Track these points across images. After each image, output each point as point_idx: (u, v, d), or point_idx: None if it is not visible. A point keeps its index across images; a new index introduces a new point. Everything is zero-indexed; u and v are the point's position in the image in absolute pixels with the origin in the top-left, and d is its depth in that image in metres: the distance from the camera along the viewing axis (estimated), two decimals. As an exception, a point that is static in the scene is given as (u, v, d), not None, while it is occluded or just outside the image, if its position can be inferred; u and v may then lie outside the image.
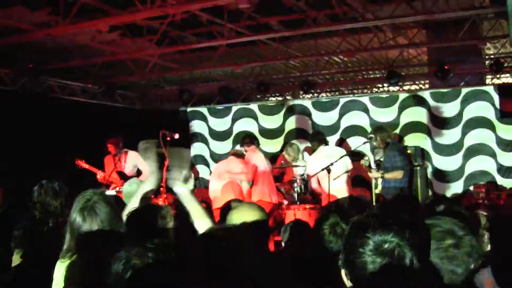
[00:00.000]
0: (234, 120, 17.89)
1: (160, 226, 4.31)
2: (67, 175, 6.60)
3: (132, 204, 4.59)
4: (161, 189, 11.37)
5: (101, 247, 3.80)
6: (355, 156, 13.68)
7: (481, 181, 14.11)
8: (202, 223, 4.21)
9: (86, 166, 12.72)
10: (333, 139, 16.06)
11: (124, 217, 4.30)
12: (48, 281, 3.98)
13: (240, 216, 4.43)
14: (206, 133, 18.24)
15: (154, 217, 4.34)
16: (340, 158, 11.09)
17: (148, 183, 4.74)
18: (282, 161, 14.09)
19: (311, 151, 15.34)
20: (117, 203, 5.32)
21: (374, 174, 11.86)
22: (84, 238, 3.87)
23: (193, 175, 4.41)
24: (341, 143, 15.83)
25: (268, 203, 11.97)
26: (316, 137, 12.49)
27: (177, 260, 2.76)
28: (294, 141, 14.83)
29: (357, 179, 14.39)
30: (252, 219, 4.38)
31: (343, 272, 2.73)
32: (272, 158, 15.79)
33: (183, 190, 4.24)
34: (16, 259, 4.47)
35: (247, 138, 12.81)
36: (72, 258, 3.89)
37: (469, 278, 3.19)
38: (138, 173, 12.93)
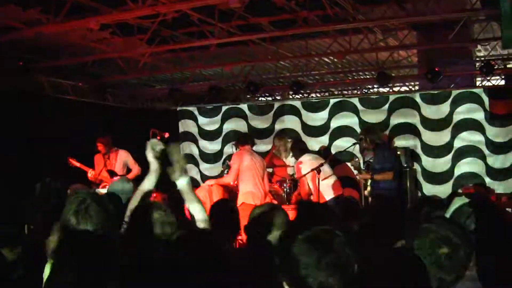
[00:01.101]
0: (223, 120, 17.87)
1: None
2: (57, 172, 6.60)
3: (133, 202, 4.66)
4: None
5: (96, 249, 3.81)
6: (345, 157, 13.73)
7: (470, 183, 14.13)
8: (198, 213, 4.38)
9: (78, 164, 12.77)
10: (322, 139, 16.09)
11: (128, 213, 4.40)
12: (39, 282, 3.96)
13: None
14: (195, 132, 18.22)
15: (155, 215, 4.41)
16: (328, 160, 11.06)
17: (148, 181, 4.82)
18: (273, 162, 14.07)
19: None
20: (111, 201, 5.36)
21: (363, 175, 11.88)
22: (78, 240, 3.87)
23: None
24: (329, 145, 15.89)
25: (252, 205, 11.65)
26: (298, 145, 12.44)
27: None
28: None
29: (346, 180, 14.40)
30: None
31: (284, 283, 2.72)
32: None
33: (182, 182, 4.45)
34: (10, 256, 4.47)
35: (241, 138, 12.67)
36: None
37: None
38: (128, 171, 12.95)
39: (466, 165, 14.60)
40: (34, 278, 4.01)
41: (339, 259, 2.56)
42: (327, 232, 2.61)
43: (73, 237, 3.88)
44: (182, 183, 4.60)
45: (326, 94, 22.29)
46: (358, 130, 14.89)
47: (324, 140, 16.08)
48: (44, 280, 3.91)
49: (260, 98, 20.90)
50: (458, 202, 4.16)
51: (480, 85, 17.70)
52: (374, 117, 15.55)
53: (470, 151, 14.55)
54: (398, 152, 13.77)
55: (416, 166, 14.85)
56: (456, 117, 14.72)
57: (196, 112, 18.33)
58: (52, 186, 5.69)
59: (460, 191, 13.72)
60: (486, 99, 14.46)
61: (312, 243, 2.58)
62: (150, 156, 4.81)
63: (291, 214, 11.08)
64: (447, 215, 4.08)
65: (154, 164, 4.83)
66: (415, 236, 3.27)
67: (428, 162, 14.94)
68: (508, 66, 19.07)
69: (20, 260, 4.49)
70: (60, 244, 3.94)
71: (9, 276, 4.31)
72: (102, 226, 3.91)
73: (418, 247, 3.21)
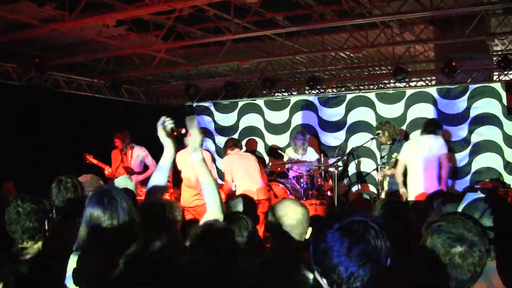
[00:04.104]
0: (240, 115, 17.88)
1: (168, 219, 4.37)
2: (73, 169, 6.58)
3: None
4: (168, 183, 11.41)
5: (119, 239, 3.81)
6: (362, 152, 13.67)
7: (487, 178, 14.06)
8: (210, 192, 4.36)
9: (95, 161, 12.77)
10: (339, 135, 16.06)
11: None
12: (63, 274, 3.97)
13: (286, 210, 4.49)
14: (212, 128, 18.24)
15: (164, 211, 4.41)
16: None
17: (166, 159, 4.99)
18: (289, 156, 14.04)
19: (316, 144, 15.40)
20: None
21: (386, 171, 11.80)
22: (103, 230, 3.88)
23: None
24: (346, 140, 15.88)
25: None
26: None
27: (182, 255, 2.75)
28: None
29: (366, 176, 14.48)
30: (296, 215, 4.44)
31: (316, 273, 2.74)
32: (278, 153, 15.76)
33: (198, 158, 4.44)
34: (30, 250, 4.50)
35: (229, 142, 12.64)
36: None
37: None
38: (145, 168, 12.95)
39: (484, 160, 14.50)
40: (56, 270, 4.01)
41: (370, 250, 2.56)
42: (361, 222, 2.60)
43: (100, 228, 3.90)
44: (195, 158, 4.59)
45: (343, 89, 22.21)
46: (375, 125, 14.85)
47: (341, 135, 16.05)
48: (69, 270, 3.92)
49: (276, 94, 20.87)
50: (469, 197, 4.12)
51: (497, 79, 17.56)
52: (391, 111, 15.50)
53: (487, 146, 14.45)
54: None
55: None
56: (473, 112, 14.64)
57: (212, 108, 18.36)
58: (70, 183, 5.66)
59: (477, 186, 13.70)
60: (503, 94, 14.37)
61: (346, 232, 2.58)
62: (162, 135, 4.84)
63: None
64: (459, 209, 4.05)
65: (168, 143, 4.88)
66: (427, 234, 3.24)
67: (445, 157, 14.88)
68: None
69: (42, 253, 4.53)
70: (87, 235, 3.96)
71: (32, 269, 4.35)
72: (127, 212, 3.93)
73: (430, 247, 3.18)
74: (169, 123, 4.87)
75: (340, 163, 12.69)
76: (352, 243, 2.57)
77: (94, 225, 3.92)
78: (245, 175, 11.70)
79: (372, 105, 15.83)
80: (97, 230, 3.90)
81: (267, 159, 16.95)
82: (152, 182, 4.96)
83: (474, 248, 3.08)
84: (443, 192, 6.83)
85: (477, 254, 3.08)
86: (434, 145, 10.57)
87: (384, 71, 20.82)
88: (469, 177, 14.62)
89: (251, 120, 17.68)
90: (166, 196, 10.87)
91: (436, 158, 10.35)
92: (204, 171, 4.52)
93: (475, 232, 3.13)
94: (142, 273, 2.62)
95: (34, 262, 4.45)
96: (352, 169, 15.60)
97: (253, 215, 5.74)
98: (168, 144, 4.90)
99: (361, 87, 21.52)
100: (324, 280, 2.67)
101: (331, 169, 13.54)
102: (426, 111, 15.10)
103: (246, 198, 6.48)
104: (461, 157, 14.73)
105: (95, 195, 4.01)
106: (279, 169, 14.70)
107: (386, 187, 11.88)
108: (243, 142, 17.41)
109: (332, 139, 16.14)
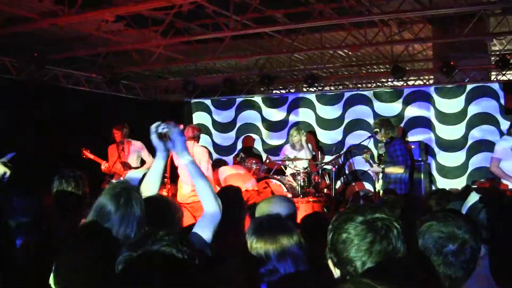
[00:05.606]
0: (238, 112, 17.90)
1: (169, 217, 4.37)
2: (70, 163, 6.59)
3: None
4: (165, 179, 11.44)
5: (119, 240, 3.77)
6: (359, 150, 13.68)
7: (484, 177, 14.06)
8: (204, 191, 4.36)
9: (91, 156, 12.76)
10: (337, 132, 16.08)
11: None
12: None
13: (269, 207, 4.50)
14: (209, 124, 18.25)
15: (165, 208, 4.41)
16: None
17: (156, 166, 4.97)
18: (286, 154, 14.03)
19: (314, 141, 15.43)
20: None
21: (374, 168, 11.84)
22: (108, 225, 3.83)
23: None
24: (343, 138, 15.89)
25: None
26: None
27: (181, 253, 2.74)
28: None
29: (363, 174, 14.50)
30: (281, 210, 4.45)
31: (330, 262, 2.76)
32: (275, 150, 15.80)
33: (186, 161, 4.42)
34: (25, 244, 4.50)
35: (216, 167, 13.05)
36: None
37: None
38: (142, 163, 12.95)
39: (480, 160, 14.53)
40: (51, 264, 3.98)
41: (391, 249, 2.59)
42: (385, 220, 2.62)
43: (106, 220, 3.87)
44: (183, 161, 4.57)
45: (340, 87, 22.18)
46: (373, 123, 14.89)
47: (339, 133, 16.07)
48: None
49: (274, 91, 20.86)
50: (474, 197, 4.12)
51: (495, 79, 17.58)
52: (388, 110, 15.54)
53: (484, 145, 14.48)
54: (413, 146, 13.76)
55: (430, 160, 14.83)
56: (471, 112, 14.70)
57: (210, 105, 18.37)
58: (71, 177, 5.67)
59: (474, 186, 13.71)
60: (501, 94, 14.43)
61: (369, 227, 2.61)
62: (154, 138, 4.82)
63: (304, 207, 11.20)
64: (463, 211, 4.05)
65: (160, 147, 4.86)
66: (418, 234, 3.25)
67: (442, 156, 14.91)
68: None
69: (38, 247, 4.51)
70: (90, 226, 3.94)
71: (27, 263, 4.34)
72: (142, 217, 3.90)
73: (422, 247, 3.18)
74: (162, 128, 4.83)
75: (337, 161, 12.70)
76: (375, 240, 2.60)
77: (101, 219, 3.88)
78: (232, 174, 11.97)
79: (370, 103, 15.87)
80: (102, 222, 3.86)
81: (264, 156, 16.96)
82: (145, 184, 4.92)
83: (466, 246, 3.09)
84: (443, 190, 6.85)
85: (469, 251, 3.09)
86: (497, 145, 10.76)
87: (382, 70, 20.79)
88: (465, 176, 14.66)
89: (249, 117, 17.71)
90: (164, 193, 10.95)
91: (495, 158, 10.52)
92: (195, 171, 4.48)
93: (466, 230, 3.14)
94: (140, 272, 2.62)
95: (29, 257, 4.44)
96: (348, 167, 15.65)
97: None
98: (160, 148, 4.88)
99: (359, 85, 21.50)
100: (338, 271, 2.70)
101: (328, 167, 13.58)
102: (423, 110, 15.14)
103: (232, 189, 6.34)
104: (458, 156, 14.77)
105: (114, 189, 3.95)
106: (276, 166, 14.71)
107: (378, 187, 11.88)
108: (240, 139, 17.47)
109: (330, 136, 16.16)
